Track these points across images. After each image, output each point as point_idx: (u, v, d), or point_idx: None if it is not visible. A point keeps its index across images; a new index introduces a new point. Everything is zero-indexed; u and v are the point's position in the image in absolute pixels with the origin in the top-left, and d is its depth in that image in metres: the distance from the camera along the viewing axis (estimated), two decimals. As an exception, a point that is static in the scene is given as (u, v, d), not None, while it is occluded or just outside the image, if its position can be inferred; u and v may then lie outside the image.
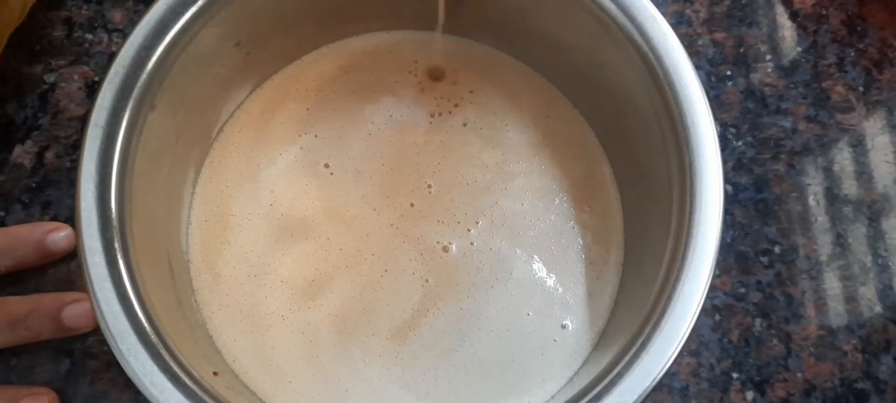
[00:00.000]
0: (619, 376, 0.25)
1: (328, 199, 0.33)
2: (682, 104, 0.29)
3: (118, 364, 0.35)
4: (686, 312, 0.26)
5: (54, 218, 0.38)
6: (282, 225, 0.33)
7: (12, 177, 0.38)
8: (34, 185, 0.38)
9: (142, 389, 0.25)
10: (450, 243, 0.32)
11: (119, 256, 0.26)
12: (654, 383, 0.25)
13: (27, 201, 0.38)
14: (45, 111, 0.39)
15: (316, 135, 0.34)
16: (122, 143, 0.27)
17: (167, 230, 0.30)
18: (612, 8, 0.29)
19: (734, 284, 0.37)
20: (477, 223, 0.32)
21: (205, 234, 0.32)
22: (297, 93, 0.35)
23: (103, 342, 0.36)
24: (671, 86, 0.29)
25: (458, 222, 0.32)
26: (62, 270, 0.36)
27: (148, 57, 0.27)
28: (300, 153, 0.34)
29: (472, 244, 0.32)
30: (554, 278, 0.32)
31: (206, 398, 0.25)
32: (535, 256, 0.32)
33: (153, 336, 0.25)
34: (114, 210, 0.26)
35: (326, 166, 0.33)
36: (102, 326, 0.25)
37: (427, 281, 0.31)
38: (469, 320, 0.31)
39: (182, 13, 0.28)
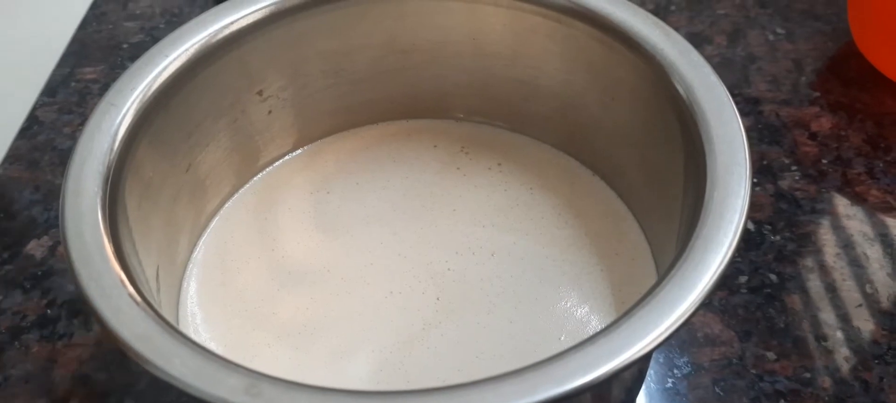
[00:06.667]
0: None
1: (334, 241, 0.31)
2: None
3: None
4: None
5: (51, 304, 0.36)
6: (283, 269, 0.30)
7: (19, 267, 0.37)
8: (39, 274, 0.37)
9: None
10: (465, 268, 0.29)
11: (107, 210, 0.24)
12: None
13: (28, 287, 0.36)
14: (68, 214, 0.40)
15: (328, 192, 0.33)
16: (129, 130, 0.27)
17: (160, 244, 0.29)
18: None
19: (796, 368, 0.32)
20: (493, 255, 0.30)
21: (199, 275, 0.30)
22: (314, 166, 0.35)
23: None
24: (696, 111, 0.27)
25: (473, 254, 0.30)
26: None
27: (166, 56, 0.28)
28: (310, 207, 0.33)
29: (490, 271, 0.29)
30: (586, 309, 0.28)
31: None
32: (563, 288, 0.29)
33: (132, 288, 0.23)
34: (109, 179, 0.25)
35: (336, 215, 0.32)
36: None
37: (438, 298, 0.28)
38: (488, 335, 0.27)
39: (207, 27, 0.30)
